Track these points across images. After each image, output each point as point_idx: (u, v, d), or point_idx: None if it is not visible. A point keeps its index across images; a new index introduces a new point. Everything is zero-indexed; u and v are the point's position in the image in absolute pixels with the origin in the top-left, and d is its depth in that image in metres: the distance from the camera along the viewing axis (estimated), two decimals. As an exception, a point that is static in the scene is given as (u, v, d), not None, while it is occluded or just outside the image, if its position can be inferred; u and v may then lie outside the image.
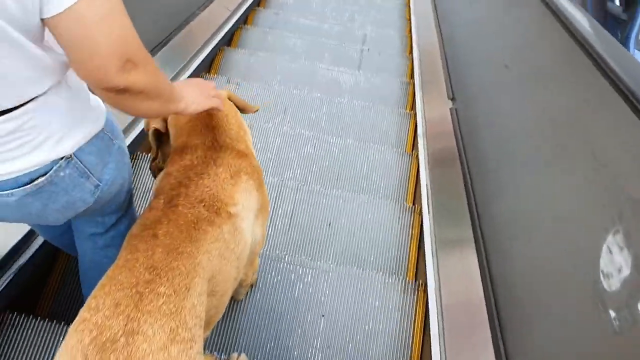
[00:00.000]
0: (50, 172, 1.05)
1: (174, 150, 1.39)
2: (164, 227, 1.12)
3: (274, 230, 2.36)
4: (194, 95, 1.22)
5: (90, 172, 1.15)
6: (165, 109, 1.14)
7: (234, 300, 1.95)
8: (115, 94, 0.93)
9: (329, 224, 2.42)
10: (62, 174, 1.08)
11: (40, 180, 1.05)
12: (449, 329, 1.78)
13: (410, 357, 1.96)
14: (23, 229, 1.70)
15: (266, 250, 2.26)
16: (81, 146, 1.10)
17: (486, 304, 1.73)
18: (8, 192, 1.03)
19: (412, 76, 3.78)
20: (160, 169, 1.48)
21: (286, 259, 2.10)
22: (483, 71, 2.61)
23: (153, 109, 1.07)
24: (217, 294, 1.18)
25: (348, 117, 3.24)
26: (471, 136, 2.34)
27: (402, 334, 2.01)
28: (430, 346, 1.80)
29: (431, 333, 1.83)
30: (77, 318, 0.96)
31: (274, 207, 2.42)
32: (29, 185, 1.04)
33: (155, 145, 1.47)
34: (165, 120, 1.47)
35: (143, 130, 2.06)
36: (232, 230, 1.22)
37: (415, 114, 3.24)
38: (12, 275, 1.63)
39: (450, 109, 2.73)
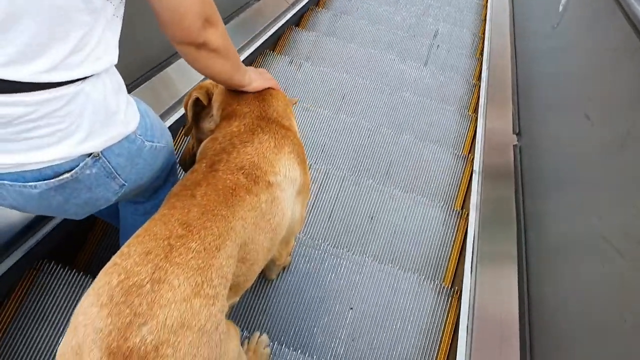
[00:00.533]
0: (76, 169, 1.06)
1: (223, 118, 1.42)
2: (202, 189, 1.14)
3: (314, 218, 2.35)
4: (254, 75, 1.43)
5: (117, 173, 1.17)
6: (234, 75, 1.32)
7: (265, 279, 1.96)
8: (195, 48, 1.11)
9: (371, 218, 2.39)
10: (87, 172, 1.08)
11: (65, 176, 1.05)
12: (477, 341, 1.73)
13: (436, 362, 1.92)
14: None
15: (303, 235, 2.26)
16: (110, 146, 1.10)
17: (519, 323, 1.68)
18: (32, 184, 1.03)
19: (479, 78, 3.66)
20: (194, 155, 1.51)
21: (322, 247, 2.09)
22: (559, 114, 2.22)
23: (225, 70, 1.26)
24: (247, 262, 1.19)
25: (407, 112, 3.18)
26: (532, 176, 2.18)
27: (430, 338, 1.97)
28: (456, 355, 1.75)
29: (458, 343, 1.78)
30: (109, 262, 0.99)
31: (317, 194, 2.41)
32: (52, 180, 1.04)
33: (192, 115, 1.49)
34: (208, 94, 1.50)
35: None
36: (269, 200, 1.22)
37: (473, 146, 2.98)
38: (54, 227, 1.69)
39: (514, 145, 2.51)
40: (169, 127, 2.15)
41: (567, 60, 2.37)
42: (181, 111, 2.25)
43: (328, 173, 2.47)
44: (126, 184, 1.22)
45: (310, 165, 2.48)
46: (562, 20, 2.48)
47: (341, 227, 2.35)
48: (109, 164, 1.12)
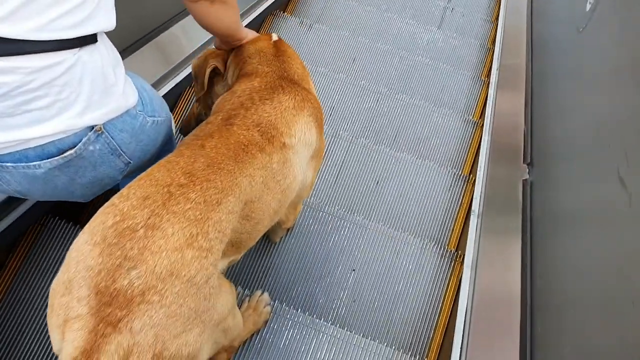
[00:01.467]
0: (80, 144, 1.05)
1: (242, 75, 1.40)
2: (213, 141, 1.13)
3: (320, 180, 2.34)
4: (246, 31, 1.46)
5: (122, 150, 1.16)
6: (239, 27, 1.36)
7: (268, 240, 1.97)
8: (210, 2, 1.16)
9: (377, 182, 2.38)
10: (91, 148, 1.07)
11: (68, 152, 1.04)
12: (477, 306, 1.73)
13: (436, 325, 1.93)
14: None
15: (308, 197, 2.26)
16: (112, 120, 1.09)
17: (521, 289, 1.67)
18: (35, 163, 1.02)
19: (493, 42, 3.57)
20: (199, 118, 1.50)
21: (326, 209, 2.09)
22: (582, 152, 1.70)
23: (233, 20, 1.31)
24: (252, 220, 1.18)
25: (418, 75, 3.13)
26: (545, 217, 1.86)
27: (432, 301, 1.98)
28: (456, 318, 1.76)
29: (459, 306, 1.78)
30: (107, 202, 0.99)
31: (325, 156, 2.39)
32: (56, 158, 1.03)
33: (207, 82, 1.48)
34: (224, 60, 1.48)
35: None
36: (282, 161, 1.21)
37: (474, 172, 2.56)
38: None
39: (524, 180, 2.06)
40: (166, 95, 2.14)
41: (596, 85, 1.81)
42: (176, 79, 2.22)
43: (336, 136, 2.45)
44: (131, 161, 1.22)
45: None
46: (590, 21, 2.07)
47: (347, 190, 2.35)
48: (112, 140, 1.11)
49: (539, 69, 2.62)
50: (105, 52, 1.05)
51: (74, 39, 0.95)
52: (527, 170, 1.99)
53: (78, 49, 0.97)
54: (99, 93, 1.04)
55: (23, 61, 0.89)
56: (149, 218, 0.94)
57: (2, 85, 0.89)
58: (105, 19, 1.03)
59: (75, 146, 1.04)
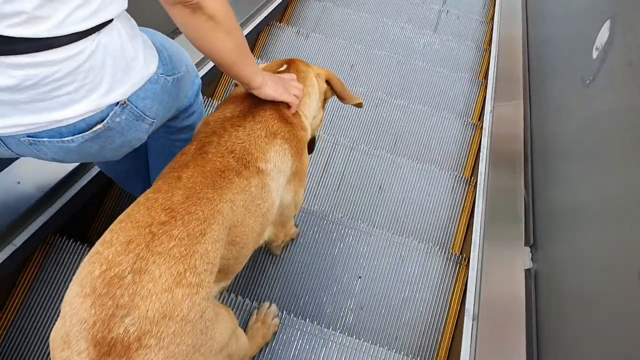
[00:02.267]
0: (107, 118, 1.10)
1: (224, 101, 1.40)
2: (189, 171, 1.13)
3: (323, 188, 2.36)
4: (273, 83, 1.32)
5: (145, 115, 1.20)
6: (238, 62, 1.19)
7: (271, 254, 1.98)
8: (190, 11, 1.01)
9: (380, 188, 2.39)
10: (117, 119, 1.13)
11: (97, 127, 1.10)
12: (484, 309, 1.74)
13: (444, 329, 1.95)
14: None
15: (312, 206, 2.28)
16: (135, 91, 1.14)
17: (526, 293, 1.68)
18: (69, 138, 1.09)
19: (489, 43, 3.59)
20: None
21: (330, 217, 2.11)
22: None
23: (227, 49, 1.14)
24: (237, 245, 1.18)
25: (416, 80, 3.15)
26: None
27: (439, 305, 1.99)
28: (463, 322, 1.77)
29: (466, 309, 1.79)
30: (92, 249, 1.00)
31: (326, 164, 2.41)
32: (87, 132, 1.10)
33: None
34: None
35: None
36: (259, 185, 1.21)
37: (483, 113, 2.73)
38: (65, 202, 1.72)
39: (525, 270, 1.72)
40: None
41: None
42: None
43: (336, 143, 2.47)
44: (155, 120, 1.26)
45: (319, 135, 2.48)
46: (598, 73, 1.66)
47: (350, 197, 2.36)
48: (136, 108, 1.16)
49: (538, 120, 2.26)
50: (122, 28, 1.09)
51: (90, 28, 1.00)
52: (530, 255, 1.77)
53: (96, 34, 1.02)
54: (121, 71, 1.09)
55: (47, 56, 0.95)
56: (135, 263, 0.94)
57: (31, 77, 0.96)
58: (119, 3, 1.06)
59: (103, 121, 1.10)
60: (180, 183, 1.09)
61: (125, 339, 0.88)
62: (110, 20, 1.05)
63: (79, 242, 1.77)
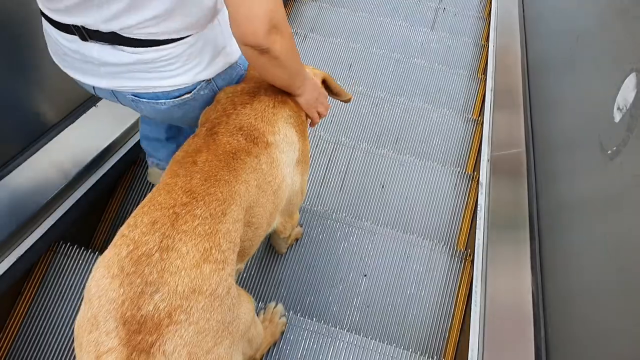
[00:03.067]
0: (194, 91, 1.31)
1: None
2: (203, 155, 1.14)
3: (326, 188, 2.36)
4: (310, 94, 1.42)
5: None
6: (288, 84, 1.32)
7: (276, 253, 1.98)
8: (259, 53, 1.10)
9: (382, 186, 2.39)
10: (202, 92, 1.33)
11: (186, 96, 1.31)
12: (490, 304, 1.74)
13: (451, 325, 1.94)
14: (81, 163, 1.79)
15: (315, 206, 2.28)
16: (219, 73, 1.34)
17: (532, 287, 1.67)
18: (162, 101, 1.31)
19: (487, 39, 3.59)
20: None
21: (334, 216, 2.10)
22: None
23: (281, 77, 1.27)
24: (252, 226, 1.20)
25: (415, 78, 3.15)
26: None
27: (445, 301, 1.98)
28: (471, 318, 1.77)
29: (472, 307, 1.79)
30: (116, 234, 1.00)
31: (328, 164, 2.41)
32: (177, 99, 1.31)
33: None
34: None
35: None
36: (269, 161, 1.23)
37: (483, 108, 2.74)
38: (67, 209, 1.72)
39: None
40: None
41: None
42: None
43: (338, 143, 2.47)
44: None
45: (320, 136, 2.48)
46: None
47: (353, 196, 2.36)
48: (216, 86, 1.36)
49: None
50: (222, 22, 1.28)
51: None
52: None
53: (202, 31, 1.23)
54: (213, 56, 1.29)
55: (164, 49, 1.18)
56: (162, 241, 0.95)
57: (145, 60, 1.19)
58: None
59: (191, 92, 1.31)
60: (197, 167, 1.11)
61: (156, 315, 0.89)
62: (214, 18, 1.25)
63: (83, 249, 1.77)
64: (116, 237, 1.00)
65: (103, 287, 0.92)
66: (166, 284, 0.91)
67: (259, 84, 1.35)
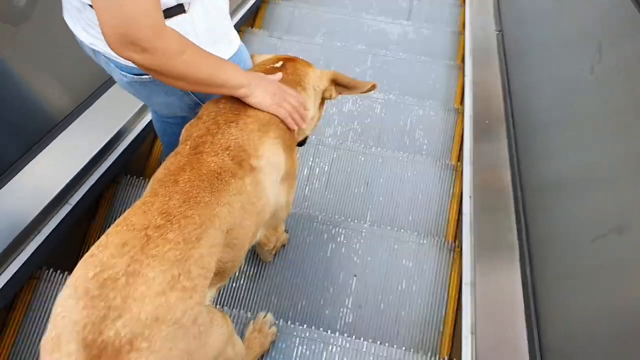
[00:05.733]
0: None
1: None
2: (186, 174, 1.12)
3: (310, 190, 2.35)
4: (260, 92, 1.30)
5: (191, 92, 1.40)
6: (209, 91, 1.25)
7: (263, 263, 1.97)
8: (129, 59, 1.05)
9: (367, 183, 2.38)
10: None
11: (144, 77, 1.32)
12: (480, 293, 1.73)
13: (445, 318, 1.93)
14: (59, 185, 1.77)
15: (300, 209, 2.26)
16: None
17: (521, 274, 1.67)
18: (124, 73, 1.32)
19: (464, 27, 3.58)
20: None
21: (319, 218, 2.09)
22: None
23: (181, 86, 1.21)
24: (235, 247, 1.18)
25: (393, 71, 3.13)
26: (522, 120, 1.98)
27: (437, 294, 1.98)
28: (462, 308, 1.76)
29: (463, 297, 1.78)
30: (87, 252, 0.98)
31: (312, 165, 2.40)
32: (136, 76, 1.32)
33: None
34: None
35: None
36: (254, 183, 1.20)
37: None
38: (48, 234, 1.70)
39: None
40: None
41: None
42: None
43: (320, 143, 2.45)
44: (201, 103, 1.40)
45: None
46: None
47: (338, 196, 2.35)
48: None
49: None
50: (191, 20, 1.24)
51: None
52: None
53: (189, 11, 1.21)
54: (205, 44, 1.22)
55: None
56: (129, 265, 0.93)
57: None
58: None
59: (149, 75, 1.29)
60: (177, 187, 1.08)
61: (117, 341, 0.87)
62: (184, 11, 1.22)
63: (67, 273, 1.75)
64: (86, 256, 0.98)
65: (68, 307, 0.90)
66: (129, 310, 0.89)
67: (240, 101, 1.31)
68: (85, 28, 1.25)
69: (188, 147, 1.20)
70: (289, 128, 1.37)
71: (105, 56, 1.31)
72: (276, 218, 1.44)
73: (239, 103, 1.31)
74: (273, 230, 1.53)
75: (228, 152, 1.19)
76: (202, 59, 1.17)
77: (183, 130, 1.31)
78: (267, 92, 1.31)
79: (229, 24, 1.44)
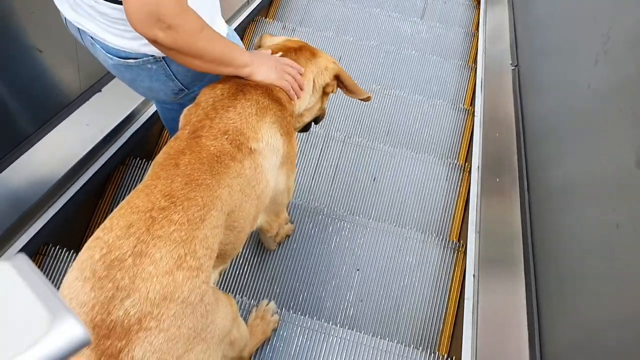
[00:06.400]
0: (140, 60, 1.30)
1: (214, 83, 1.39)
2: (186, 158, 1.12)
3: (317, 182, 2.35)
4: (264, 69, 1.34)
5: (177, 78, 1.38)
6: (217, 70, 1.26)
7: (267, 250, 1.97)
8: (151, 40, 1.08)
9: (374, 179, 2.38)
10: (149, 66, 1.32)
11: (131, 61, 1.31)
12: (483, 294, 1.74)
13: (445, 316, 1.94)
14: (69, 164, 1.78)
15: (307, 201, 2.27)
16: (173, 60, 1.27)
17: (525, 273, 1.67)
18: (110, 55, 1.32)
19: (477, 27, 3.57)
20: None
21: (325, 211, 2.10)
22: None
23: (196, 65, 1.20)
24: (235, 229, 1.19)
25: (405, 68, 3.13)
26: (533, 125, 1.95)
27: (438, 293, 1.98)
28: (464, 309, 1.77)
29: (465, 296, 1.79)
30: (92, 236, 0.99)
31: (319, 159, 2.40)
32: (122, 60, 1.31)
33: None
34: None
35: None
36: (253, 167, 1.21)
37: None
38: (56, 211, 1.70)
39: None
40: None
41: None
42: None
43: (328, 137, 2.46)
44: (187, 90, 1.42)
45: (311, 129, 2.46)
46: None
47: (344, 190, 2.35)
48: (168, 68, 1.33)
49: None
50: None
51: None
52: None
53: None
54: None
55: (116, 8, 1.15)
56: (136, 246, 0.95)
57: (99, 11, 1.19)
58: None
59: (136, 59, 1.30)
60: (179, 170, 1.09)
61: (126, 321, 0.88)
62: None
63: (72, 251, 1.76)
64: (91, 239, 0.99)
65: (75, 289, 0.92)
66: (137, 290, 0.91)
67: (238, 85, 1.31)
68: (73, 6, 1.26)
69: (187, 131, 1.21)
70: (285, 111, 1.37)
71: (90, 37, 1.31)
72: (276, 203, 1.45)
73: (235, 88, 1.30)
74: (275, 216, 1.54)
75: (227, 137, 1.19)
76: (215, 37, 1.20)
77: (182, 116, 1.32)
78: (270, 68, 1.35)
79: (217, 10, 1.41)
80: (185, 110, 1.31)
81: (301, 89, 1.43)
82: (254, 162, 1.21)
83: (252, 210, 1.25)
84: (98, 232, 0.99)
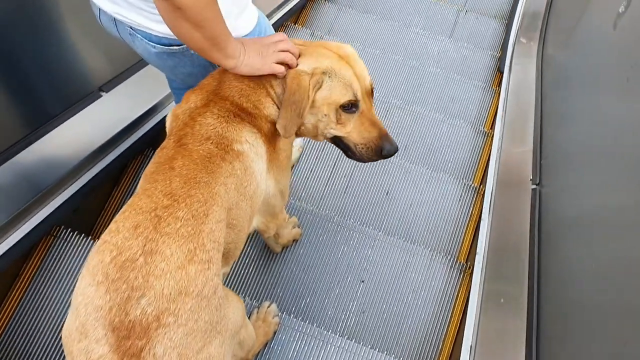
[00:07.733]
0: (183, 46, 1.35)
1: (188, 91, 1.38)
2: (179, 161, 1.13)
3: (330, 191, 2.36)
4: (250, 58, 1.27)
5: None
6: (209, 51, 1.20)
7: (272, 253, 1.98)
8: (166, 4, 1.05)
9: (387, 193, 2.38)
10: (192, 52, 1.36)
11: (174, 48, 1.36)
12: (485, 314, 1.72)
13: (445, 337, 1.93)
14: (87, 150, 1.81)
15: (318, 208, 2.28)
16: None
17: (528, 302, 1.66)
18: (153, 44, 1.36)
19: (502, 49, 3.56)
20: None
21: (335, 219, 2.10)
22: None
23: (194, 38, 1.15)
24: (235, 228, 1.20)
25: (429, 86, 3.13)
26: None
27: (441, 313, 1.97)
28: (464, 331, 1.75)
29: (467, 316, 1.77)
30: (98, 241, 1.01)
31: (333, 167, 2.41)
32: (166, 47, 1.36)
33: None
34: None
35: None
36: (242, 168, 1.21)
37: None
38: (71, 194, 1.73)
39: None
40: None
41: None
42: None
43: (344, 147, 2.46)
44: None
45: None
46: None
47: (356, 201, 2.35)
48: None
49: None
50: None
51: None
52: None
53: None
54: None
55: None
56: (145, 245, 0.96)
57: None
58: None
59: (179, 46, 1.36)
60: (175, 172, 1.10)
61: (144, 320, 0.90)
62: None
63: (83, 235, 1.78)
64: (98, 244, 1.00)
65: (89, 295, 0.93)
66: (152, 287, 0.92)
67: (209, 93, 1.29)
68: (129, 9, 1.28)
69: (172, 141, 1.21)
70: (256, 117, 1.31)
71: (130, 27, 1.33)
72: (270, 205, 1.44)
73: (206, 97, 1.28)
74: (271, 217, 1.53)
75: (211, 142, 1.19)
76: (220, 16, 1.15)
77: (167, 124, 1.33)
78: (255, 55, 1.27)
79: None
80: (166, 121, 1.33)
81: (295, 57, 1.32)
82: (242, 164, 1.21)
83: (248, 210, 1.26)
84: (105, 236, 1.00)
